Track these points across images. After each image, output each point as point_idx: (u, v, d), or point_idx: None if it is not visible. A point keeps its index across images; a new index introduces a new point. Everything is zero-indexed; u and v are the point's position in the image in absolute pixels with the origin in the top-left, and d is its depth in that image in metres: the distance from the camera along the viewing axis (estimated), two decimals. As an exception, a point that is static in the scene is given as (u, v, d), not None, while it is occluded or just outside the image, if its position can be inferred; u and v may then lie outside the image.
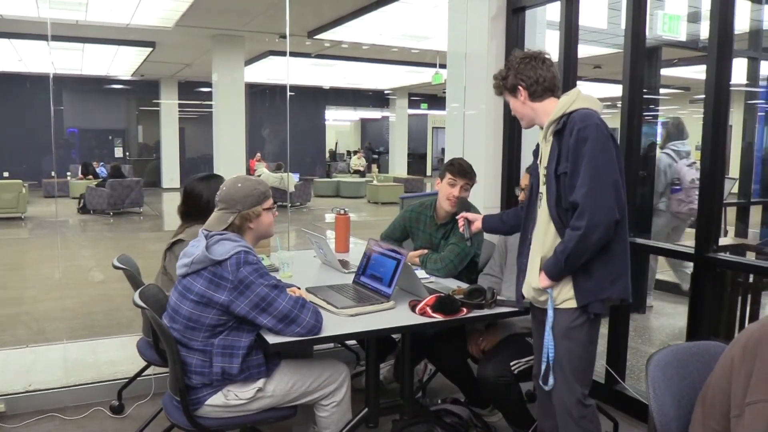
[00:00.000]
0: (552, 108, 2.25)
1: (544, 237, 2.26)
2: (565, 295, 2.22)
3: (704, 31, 5.21)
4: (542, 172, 2.31)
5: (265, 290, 2.17)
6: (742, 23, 5.17)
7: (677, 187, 4.99)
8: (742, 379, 1.42)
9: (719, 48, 2.86)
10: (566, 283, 2.21)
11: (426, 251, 3.22)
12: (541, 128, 2.31)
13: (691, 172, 4.93)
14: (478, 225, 2.76)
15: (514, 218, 2.66)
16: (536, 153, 2.41)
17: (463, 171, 3.08)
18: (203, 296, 2.18)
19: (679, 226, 5.20)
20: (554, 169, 2.20)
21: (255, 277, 2.17)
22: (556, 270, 2.18)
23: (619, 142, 3.32)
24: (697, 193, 4.63)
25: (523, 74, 2.27)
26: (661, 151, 5.08)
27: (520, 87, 2.29)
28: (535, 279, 2.27)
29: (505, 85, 2.35)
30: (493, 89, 2.43)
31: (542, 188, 2.30)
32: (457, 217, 2.86)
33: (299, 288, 2.55)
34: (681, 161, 4.99)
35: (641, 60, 3.34)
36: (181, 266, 2.25)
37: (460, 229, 2.80)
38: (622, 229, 2.19)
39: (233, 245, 2.19)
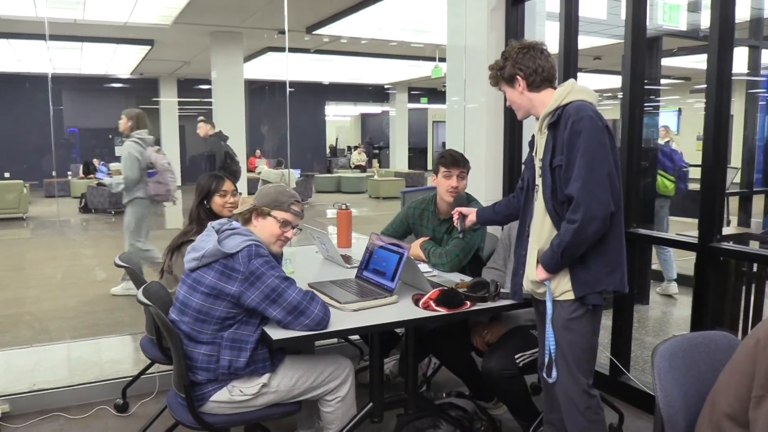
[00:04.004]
0: (549, 99, 2.24)
1: (541, 230, 2.26)
2: (563, 288, 2.22)
3: (705, 20, 5.19)
4: (537, 164, 2.30)
5: (275, 281, 2.18)
6: (742, 11, 5.15)
7: (152, 171, 5.40)
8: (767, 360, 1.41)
9: (720, 37, 2.85)
10: (563, 276, 2.21)
11: (427, 238, 3.22)
12: (537, 119, 2.30)
13: (160, 157, 5.41)
14: (472, 218, 2.77)
15: (505, 208, 2.67)
16: (531, 144, 2.40)
17: (454, 161, 3.09)
18: (214, 288, 2.19)
19: (157, 209, 5.70)
20: (549, 162, 2.19)
21: (266, 268, 2.18)
22: (552, 263, 2.18)
23: (620, 132, 3.33)
24: (171, 175, 5.31)
25: (522, 64, 2.26)
26: (129, 140, 5.44)
27: (518, 77, 2.28)
28: (532, 272, 2.27)
29: (502, 75, 2.33)
30: (489, 80, 2.42)
31: (538, 181, 2.30)
32: (452, 212, 2.88)
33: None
34: (149, 149, 5.40)
35: (642, 50, 3.32)
36: (191, 260, 2.26)
37: (455, 224, 2.82)
38: (618, 221, 2.19)
39: (244, 239, 2.23)
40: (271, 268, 2.20)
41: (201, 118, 7.37)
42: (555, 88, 2.27)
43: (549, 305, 2.24)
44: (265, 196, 2.39)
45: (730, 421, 1.45)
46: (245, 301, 2.18)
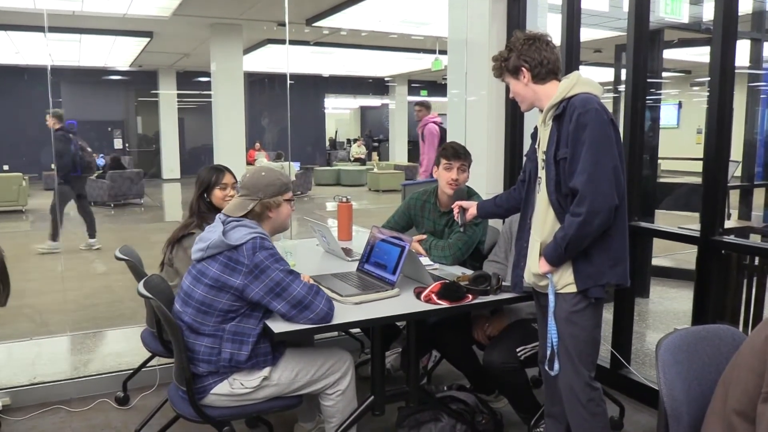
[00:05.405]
0: (554, 91, 2.22)
1: (543, 222, 2.25)
2: (566, 280, 2.21)
3: (706, 12, 5.18)
4: (541, 156, 2.29)
5: (280, 275, 2.17)
6: (745, 4, 5.14)
7: None
8: None
9: (724, 29, 2.83)
10: (566, 268, 2.21)
11: (425, 236, 3.21)
12: (541, 111, 2.29)
13: None
14: (473, 212, 2.76)
15: (507, 201, 2.66)
16: (534, 136, 2.39)
17: (456, 153, 3.08)
18: (218, 280, 2.18)
19: None
20: (553, 155, 2.18)
21: (270, 262, 2.17)
22: (556, 256, 2.17)
23: (622, 125, 3.32)
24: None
25: (527, 56, 2.24)
26: None
27: (523, 69, 2.26)
28: (535, 264, 2.27)
29: (506, 66, 2.31)
30: (492, 72, 2.40)
31: (541, 173, 2.28)
32: (452, 206, 2.87)
33: (308, 276, 2.56)
34: None
35: (645, 43, 3.31)
36: (197, 251, 2.26)
37: (455, 217, 2.81)
38: (622, 215, 2.18)
39: (249, 231, 2.21)
40: (276, 261, 2.19)
41: (49, 111, 7.45)
42: (560, 80, 2.25)
43: (551, 298, 2.24)
44: (270, 186, 2.33)
45: (738, 417, 1.45)
46: (249, 294, 2.17)
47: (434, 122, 6.93)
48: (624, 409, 3.07)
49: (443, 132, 6.78)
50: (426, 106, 7.14)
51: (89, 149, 7.67)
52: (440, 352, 3.34)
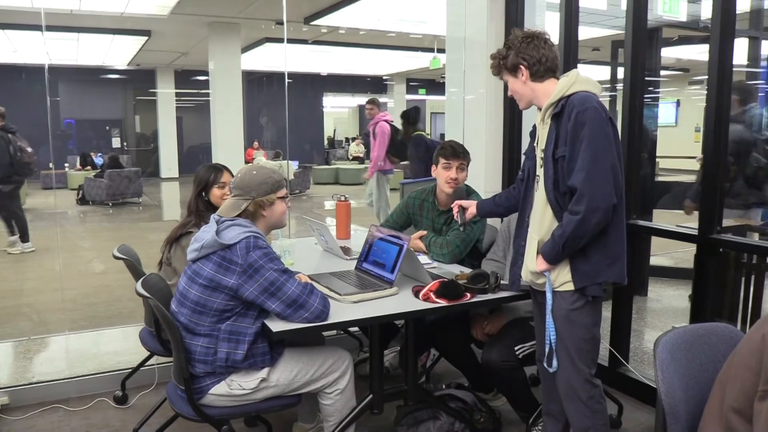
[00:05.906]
0: (552, 89, 2.22)
1: (541, 220, 2.25)
2: (563, 279, 2.21)
3: (705, 11, 5.18)
4: (539, 155, 2.29)
5: (274, 275, 2.16)
6: (743, 2, 5.14)
7: None
8: None
9: (722, 27, 2.83)
10: (564, 267, 2.21)
11: (425, 232, 3.21)
12: (539, 109, 2.29)
13: None
14: (472, 211, 2.76)
15: (506, 199, 2.66)
16: (533, 135, 2.39)
17: (454, 152, 3.08)
18: (212, 280, 2.18)
19: None
20: (552, 153, 2.18)
21: (264, 261, 2.17)
22: (553, 254, 2.17)
23: (620, 124, 3.32)
24: None
25: (526, 53, 2.24)
26: None
27: (521, 67, 2.26)
28: (532, 262, 2.27)
29: (505, 64, 2.31)
30: (490, 70, 2.40)
31: (539, 171, 2.28)
32: (452, 205, 2.87)
33: (305, 275, 2.55)
34: None
35: (643, 41, 3.31)
36: (192, 251, 2.26)
37: (455, 217, 2.81)
38: (620, 213, 2.18)
39: (243, 230, 2.20)
40: (270, 260, 2.19)
41: None
42: (558, 78, 2.25)
43: (549, 296, 2.24)
44: (262, 185, 2.32)
45: (736, 415, 1.45)
46: (243, 294, 2.17)
47: (386, 120, 7.08)
48: (622, 407, 3.08)
49: (394, 130, 7.08)
50: (377, 105, 7.32)
51: (30, 149, 7.40)
52: (439, 351, 3.34)
